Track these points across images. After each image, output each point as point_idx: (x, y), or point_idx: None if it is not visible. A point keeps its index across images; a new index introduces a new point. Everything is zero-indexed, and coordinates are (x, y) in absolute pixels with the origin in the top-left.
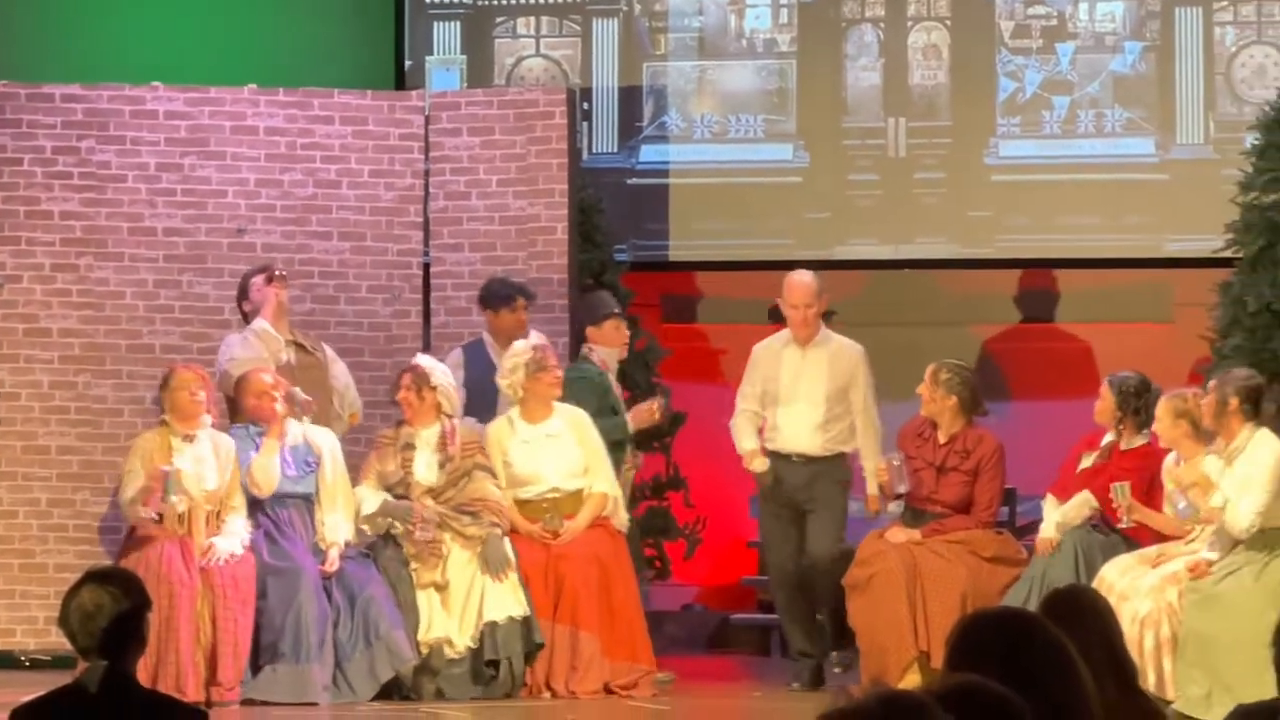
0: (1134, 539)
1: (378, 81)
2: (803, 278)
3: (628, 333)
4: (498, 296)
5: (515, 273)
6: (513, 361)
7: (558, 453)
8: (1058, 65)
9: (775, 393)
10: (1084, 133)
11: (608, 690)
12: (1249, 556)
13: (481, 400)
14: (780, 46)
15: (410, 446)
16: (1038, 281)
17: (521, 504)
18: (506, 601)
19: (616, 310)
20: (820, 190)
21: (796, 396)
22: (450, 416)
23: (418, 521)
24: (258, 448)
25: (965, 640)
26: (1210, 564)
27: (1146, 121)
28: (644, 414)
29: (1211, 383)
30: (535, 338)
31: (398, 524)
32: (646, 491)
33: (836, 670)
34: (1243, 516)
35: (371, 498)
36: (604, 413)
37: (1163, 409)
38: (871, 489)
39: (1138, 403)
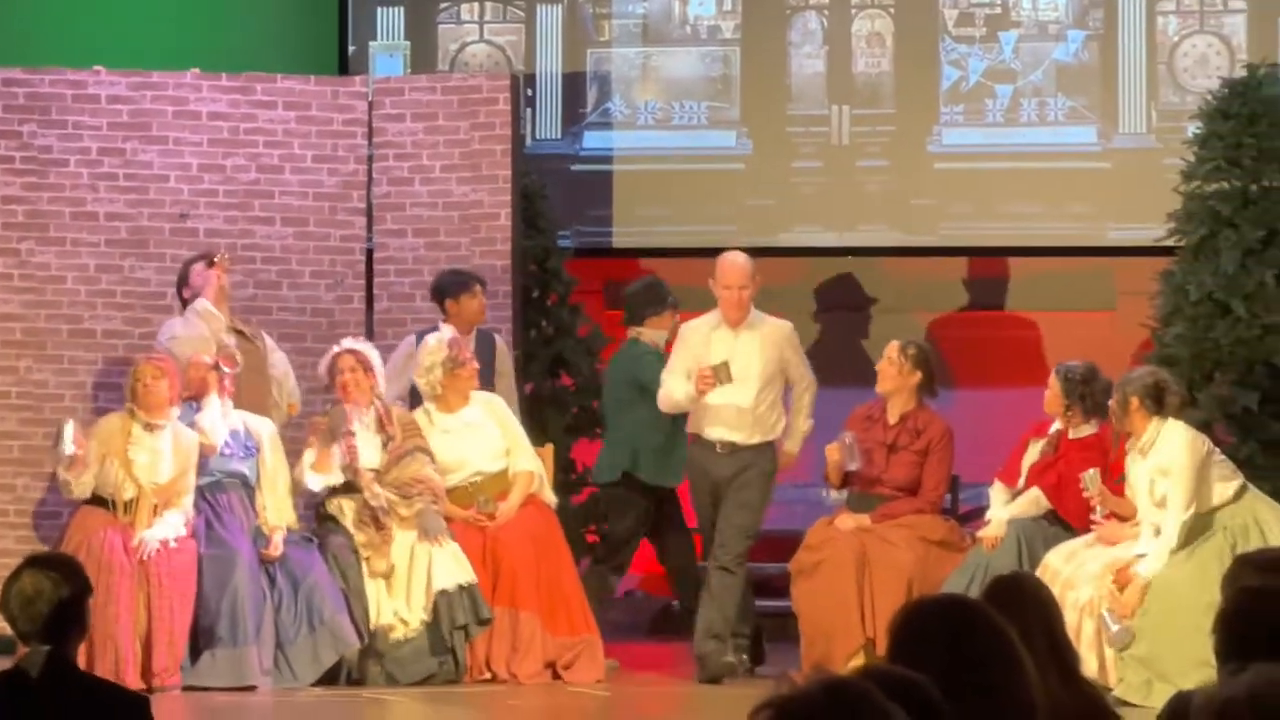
0: (1081, 531)
1: (321, 67)
2: (737, 258)
3: (675, 318)
4: (457, 284)
5: (458, 259)
6: (430, 360)
7: (478, 438)
8: (1001, 54)
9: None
10: (1027, 121)
11: (550, 668)
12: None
13: None
14: (724, 33)
15: (351, 432)
16: (981, 269)
17: (449, 491)
18: (453, 569)
19: (670, 305)
20: (764, 177)
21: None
22: (380, 398)
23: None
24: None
25: (907, 627)
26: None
27: (1089, 110)
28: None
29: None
30: (446, 331)
31: (344, 507)
32: (589, 477)
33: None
34: (1170, 536)
35: (316, 479)
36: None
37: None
38: (791, 446)
39: (1084, 390)
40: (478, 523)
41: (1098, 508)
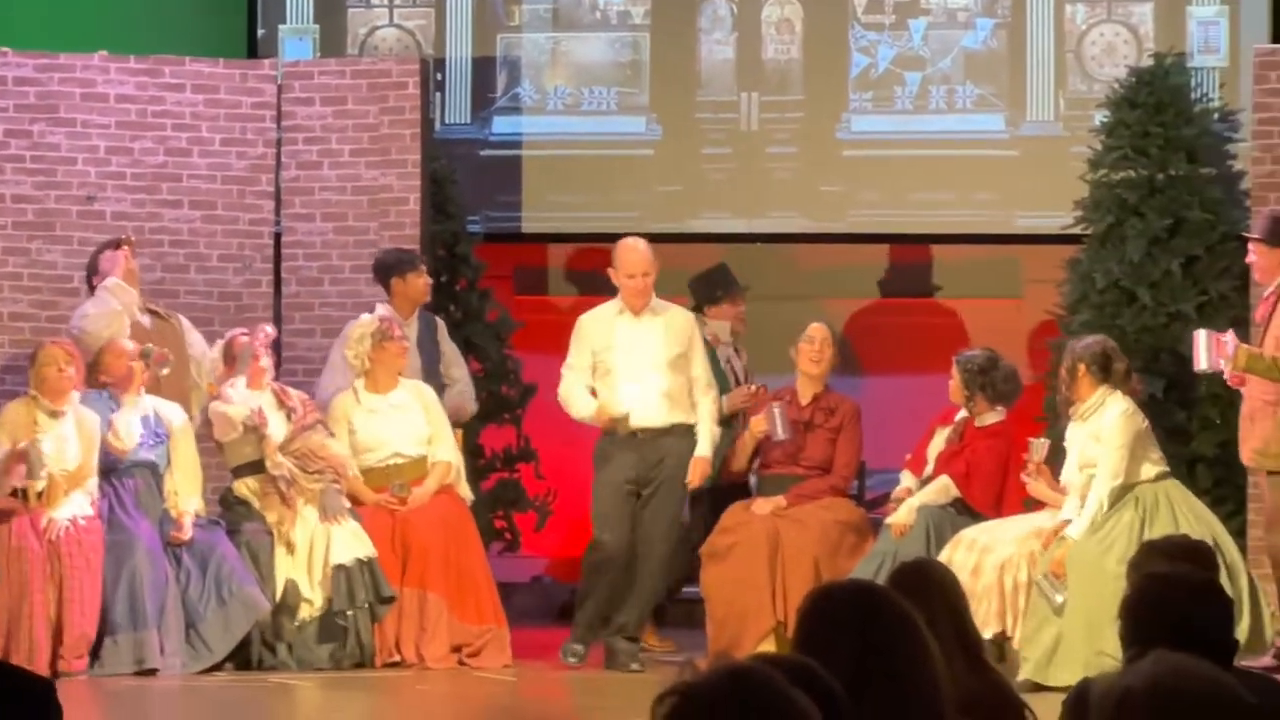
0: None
1: (230, 49)
2: (637, 245)
3: (741, 309)
4: (403, 262)
5: (367, 243)
6: (359, 332)
7: (403, 420)
8: (910, 41)
9: (611, 365)
10: (935, 109)
11: (456, 653)
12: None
13: None
14: (634, 19)
15: (259, 410)
16: (889, 256)
17: (365, 471)
18: (351, 544)
19: (737, 290)
20: (673, 163)
21: (638, 368)
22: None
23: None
24: (113, 412)
25: (815, 613)
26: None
27: (997, 98)
28: (740, 397)
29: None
30: (381, 309)
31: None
32: (496, 463)
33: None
34: (1100, 497)
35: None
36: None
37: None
38: (704, 450)
39: (984, 379)
40: (389, 505)
41: (1031, 479)
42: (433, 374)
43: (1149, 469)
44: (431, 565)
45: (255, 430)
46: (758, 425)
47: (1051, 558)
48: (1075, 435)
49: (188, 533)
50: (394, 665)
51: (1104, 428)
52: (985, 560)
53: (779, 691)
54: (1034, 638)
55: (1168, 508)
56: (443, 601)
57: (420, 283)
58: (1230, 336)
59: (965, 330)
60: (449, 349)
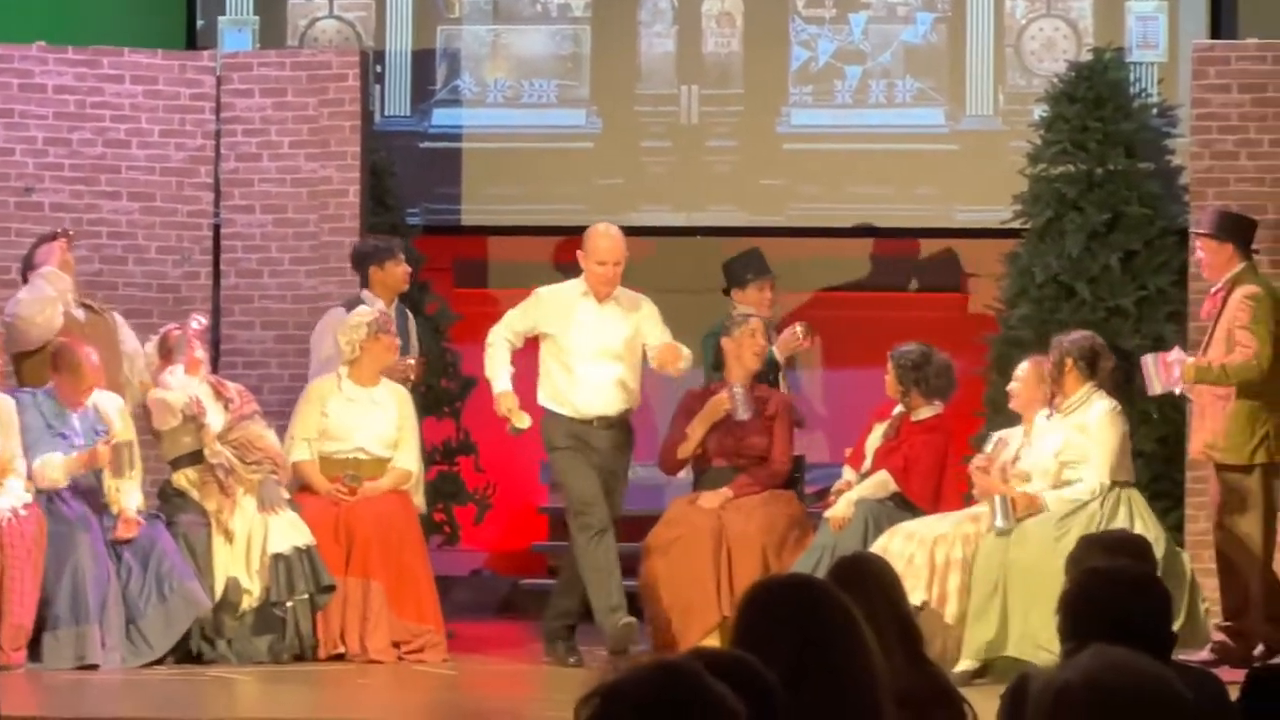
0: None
1: (169, 41)
2: (612, 232)
3: (769, 295)
4: (381, 251)
5: (306, 235)
6: (358, 319)
7: (376, 417)
8: (850, 35)
9: (567, 346)
10: (875, 103)
11: (396, 649)
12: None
13: None
14: (574, 12)
15: (198, 400)
16: (828, 250)
17: (325, 459)
18: (289, 533)
19: (767, 274)
20: (613, 156)
21: (596, 354)
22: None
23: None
24: (45, 419)
25: (753, 607)
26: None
27: (937, 92)
28: (789, 341)
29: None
30: (379, 304)
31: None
32: (436, 456)
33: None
34: (1091, 486)
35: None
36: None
37: (1027, 373)
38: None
39: (918, 375)
40: (338, 493)
41: (974, 467)
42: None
43: (1121, 474)
44: (374, 556)
45: (194, 419)
46: (720, 404)
47: (1020, 499)
48: (1052, 427)
49: (133, 531)
50: (337, 658)
51: (1092, 423)
52: (925, 553)
53: (704, 688)
54: (976, 623)
55: (1126, 514)
56: (384, 593)
57: (399, 271)
58: (1176, 355)
59: (904, 324)
60: (415, 345)
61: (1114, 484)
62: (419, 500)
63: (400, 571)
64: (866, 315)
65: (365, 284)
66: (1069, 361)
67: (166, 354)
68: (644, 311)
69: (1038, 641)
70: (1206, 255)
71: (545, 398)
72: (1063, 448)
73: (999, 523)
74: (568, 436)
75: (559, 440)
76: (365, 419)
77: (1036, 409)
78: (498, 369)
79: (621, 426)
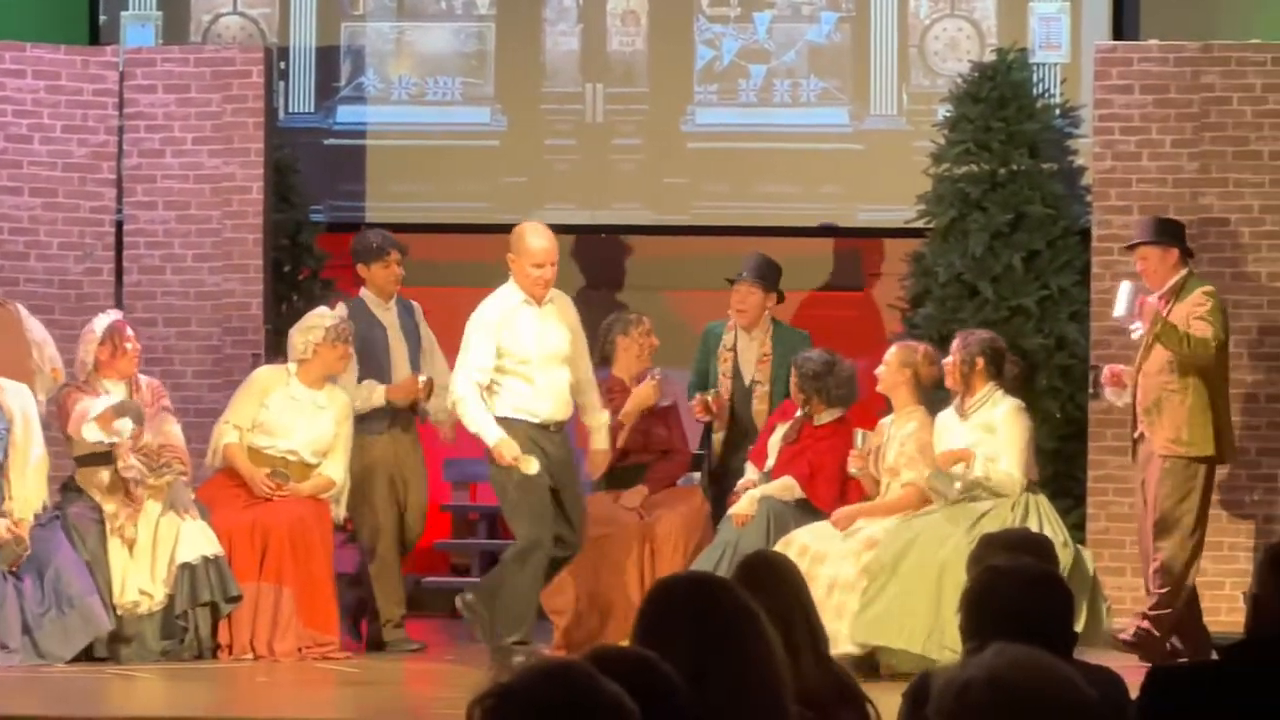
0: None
1: (71, 36)
2: (545, 231)
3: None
4: (371, 251)
5: (209, 232)
6: (316, 320)
7: (316, 422)
8: (755, 34)
9: (526, 357)
10: (780, 102)
11: (300, 654)
12: (959, 510)
13: (369, 358)
14: (479, 9)
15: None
16: (733, 249)
17: (253, 451)
18: (198, 541)
19: (740, 274)
20: (518, 154)
21: (549, 360)
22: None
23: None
24: None
25: (654, 606)
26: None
27: (841, 92)
28: (645, 393)
29: (955, 342)
30: (342, 310)
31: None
32: None
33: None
34: (1011, 478)
35: (103, 401)
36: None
37: (893, 357)
38: (601, 443)
39: (819, 384)
40: (263, 486)
41: (854, 468)
42: (414, 361)
43: (1031, 473)
44: (287, 562)
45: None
46: (647, 397)
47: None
48: (956, 427)
49: (27, 549)
50: (240, 659)
51: (999, 422)
52: (817, 570)
53: (597, 689)
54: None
55: (1035, 519)
56: (294, 599)
57: (385, 274)
58: (1154, 297)
59: (808, 322)
60: (428, 335)
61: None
62: (338, 512)
63: (307, 582)
64: (772, 314)
65: (364, 279)
66: (980, 360)
67: (109, 343)
68: (575, 316)
69: (943, 641)
70: (1150, 263)
71: (507, 408)
72: (970, 444)
73: (954, 489)
74: (528, 441)
75: (520, 450)
76: (303, 421)
77: (902, 393)
78: (482, 420)
79: (565, 436)
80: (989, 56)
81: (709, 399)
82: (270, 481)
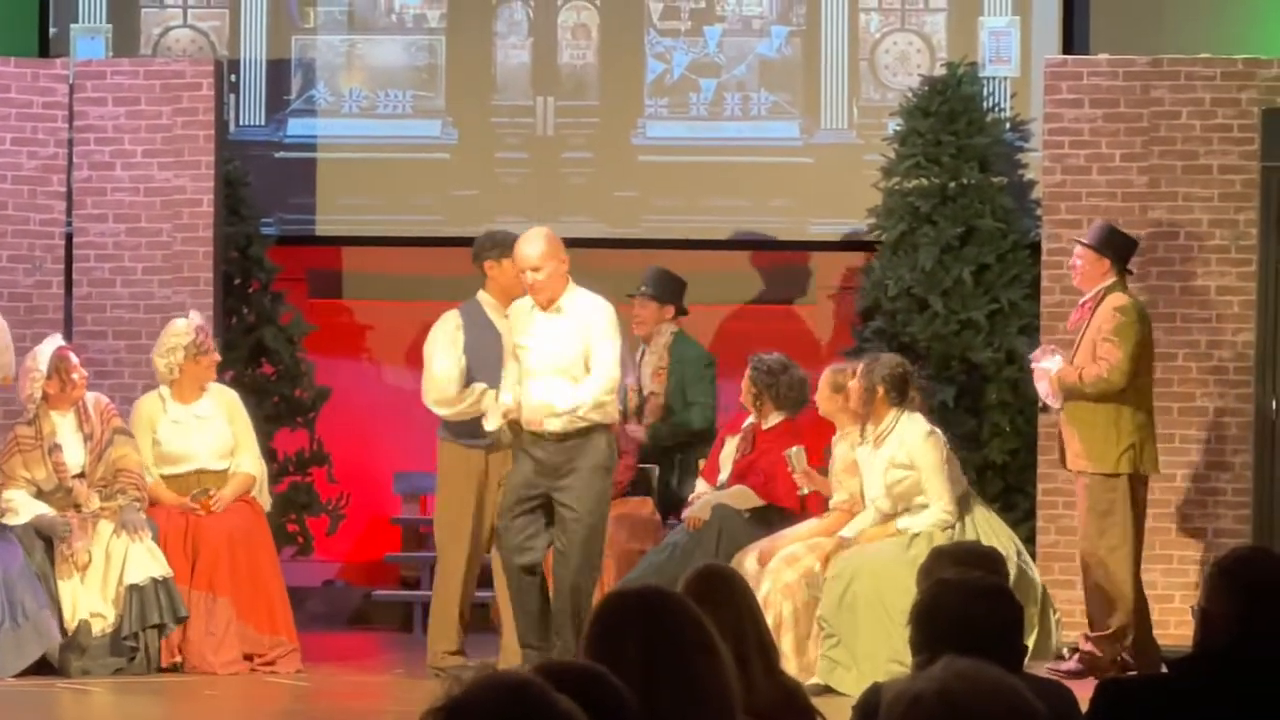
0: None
1: (21, 48)
2: (539, 239)
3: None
4: (501, 245)
5: (159, 244)
6: (173, 342)
7: (207, 432)
8: (705, 48)
9: (526, 364)
10: (730, 115)
11: (248, 660)
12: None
13: (482, 364)
14: (430, 22)
15: (58, 447)
16: (683, 262)
17: (169, 479)
18: (146, 563)
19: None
20: (468, 167)
21: (544, 366)
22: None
23: (74, 535)
24: None
25: (600, 617)
26: (846, 543)
27: (791, 105)
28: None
29: (859, 368)
30: (195, 318)
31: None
32: (289, 467)
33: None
34: (942, 516)
35: (26, 506)
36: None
37: (823, 381)
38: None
39: (771, 380)
40: (190, 510)
41: (803, 486)
42: None
43: (955, 488)
44: (221, 570)
45: (61, 486)
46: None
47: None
48: (869, 459)
49: None
50: (174, 670)
51: (913, 452)
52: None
53: (548, 702)
54: (828, 640)
55: (971, 524)
56: (232, 607)
57: (514, 270)
58: (1048, 362)
59: (758, 336)
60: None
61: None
62: (264, 498)
63: (251, 584)
64: (723, 327)
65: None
66: (881, 389)
67: (57, 374)
68: (590, 313)
69: (892, 655)
70: (1084, 264)
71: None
72: (892, 483)
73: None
74: (518, 448)
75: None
76: (197, 435)
77: (841, 417)
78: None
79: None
80: (939, 70)
81: None
82: (197, 502)
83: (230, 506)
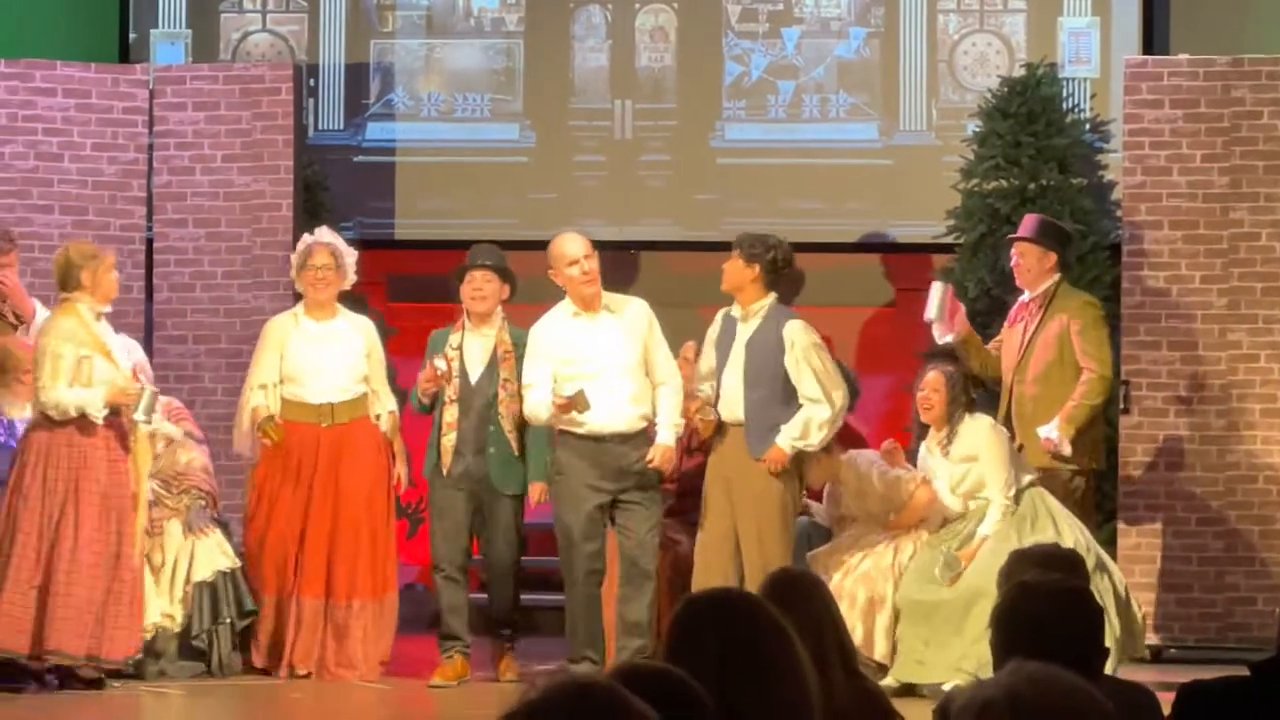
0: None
1: (101, 54)
2: (579, 236)
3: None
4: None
5: (239, 249)
6: (295, 261)
7: (339, 350)
8: (783, 50)
9: (572, 371)
10: (809, 117)
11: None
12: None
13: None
14: (508, 26)
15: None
16: None
17: (294, 405)
18: (215, 557)
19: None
20: (546, 171)
21: (599, 370)
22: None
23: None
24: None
25: (682, 622)
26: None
27: (870, 107)
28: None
29: (930, 380)
30: (321, 234)
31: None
32: None
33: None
34: (998, 509)
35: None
36: None
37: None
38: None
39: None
40: (260, 432)
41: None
42: None
43: (1023, 477)
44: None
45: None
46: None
47: (966, 547)
48: (941, 468)
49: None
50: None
51: (978, 447)
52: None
53: (622, 705)
54: (907, 642)
55: (1045, 514)
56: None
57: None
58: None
59: (837, 339)
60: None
61: (1018, 491)
62: (398, 444)
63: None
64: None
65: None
66: (962, 399)
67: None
68: (638, 316)
69: (960, 665)
70: (1027, 261)
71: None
72: (957, 482)
73: (942, 576)
74: (575, 455)
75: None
76: (327, 353)
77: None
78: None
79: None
80: (1018, 71)
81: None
82: (262, 430)
83: (370, 459)
